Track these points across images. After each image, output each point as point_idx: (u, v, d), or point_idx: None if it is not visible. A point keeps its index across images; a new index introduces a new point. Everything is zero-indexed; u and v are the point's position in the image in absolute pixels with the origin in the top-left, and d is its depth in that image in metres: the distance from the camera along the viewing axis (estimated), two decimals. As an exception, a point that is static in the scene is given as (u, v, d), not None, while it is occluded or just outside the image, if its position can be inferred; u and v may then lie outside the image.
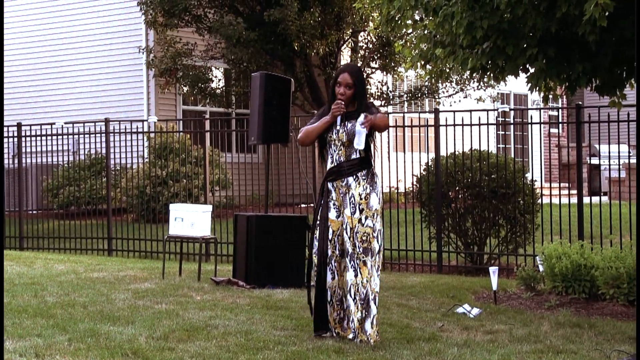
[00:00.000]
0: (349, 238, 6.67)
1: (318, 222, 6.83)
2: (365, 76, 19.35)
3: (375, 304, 6.67)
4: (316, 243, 6.83)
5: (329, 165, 6.84)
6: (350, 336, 6.73)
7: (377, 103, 19.73)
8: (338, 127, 6.79)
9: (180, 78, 18.46)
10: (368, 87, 19.71)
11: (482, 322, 7.74)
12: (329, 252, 6.78)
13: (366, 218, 6.67)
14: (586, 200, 11.27)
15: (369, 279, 6.65)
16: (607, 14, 6.95)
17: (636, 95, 7.75)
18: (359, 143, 6.64)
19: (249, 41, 17.25)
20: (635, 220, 10.54)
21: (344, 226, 6.70)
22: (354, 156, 6.75)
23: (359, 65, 18.81)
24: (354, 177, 6.72)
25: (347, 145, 6.74)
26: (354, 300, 6.66)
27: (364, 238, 6.65)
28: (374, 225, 6.68)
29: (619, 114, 9.79)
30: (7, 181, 15.92)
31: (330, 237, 6.77)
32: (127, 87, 19.73)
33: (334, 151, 6.80)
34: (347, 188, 6.73)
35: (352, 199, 6.69)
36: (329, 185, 6.81)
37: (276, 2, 17.22)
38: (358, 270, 6.65)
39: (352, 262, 6.66)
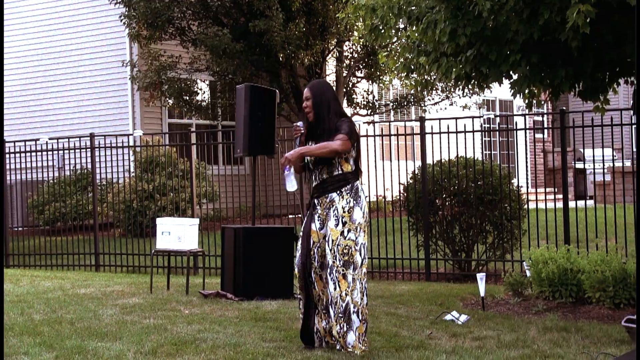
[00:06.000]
0: (330, 250, 6.67)
1: (301, 234, 6.85)
2: (351, 86, 19.47)
3: (358, 316, 6.64)
4: (297, 255, 6.85)
5: (313, 183, 6.86)
6: (338, 347, 6.73)
7: (362, 112, 19.76)
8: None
9: (165, 91, 18.45)
10: (355, 96, 19.72)
11: (470, 328, 7.75)
12: (319, 263, 6.79)
13: (349, 231, 6.68)
14: (572, 204, 11.31)
15: (348, 291, 6.63)
16: (588, 20, 6.99)
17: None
18: (291, 186, 6.77)
19: (234, 52, 17.25)
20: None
21: (326, 238, 6.71)
22: (336, 172, 6.76)
23: (343, 75, 18.87)
24: (338, 192, 6.74)
25: (327, 162, 6.75)
26: (334, 313, 6.66)
27: (345, 251, 6.65)
28: (356, 238, 6.69)
29: (602, 118, 9.85)
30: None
31: (310, 247, 6.78)
32: (111, 102, 19.70)
33: (316, 169, 6.82)
34: (330, 203, 6.75)
35: (336, 211, 6.71)
36: (315, 201, 6.83)
37: (261, 13, 17.23)
38: (337, 283, 6.65)
39: (331, 274, 6.66)
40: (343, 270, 6.64)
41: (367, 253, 12.24)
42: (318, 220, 6.79)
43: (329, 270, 6.67)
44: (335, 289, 6.64)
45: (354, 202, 6.73)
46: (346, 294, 6.63)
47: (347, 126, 6.73)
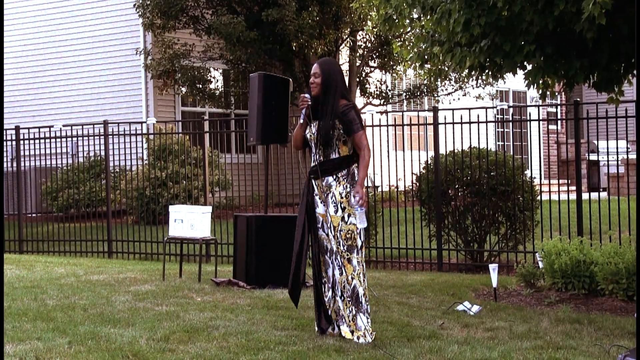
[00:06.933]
0: (334, 237, 6.72)
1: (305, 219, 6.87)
2: (364, 75, 19.43)
3: (366, 299, 6.74)
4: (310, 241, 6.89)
5: (312, 164, 6.89)
6: (347, 330, 6.72)
7: (375, 102, 19.73)
8: (311, 126, 6.84)
9: (178, 79, 18.47)
10: (368, 86, 19.69)
11: (482, 319, 7.75)
12: (329, 246, 6.80)
13: (349, 216, 6.72)
14: (585, 196, 11.28)
15: (354, 275, 6.71)
16: (604, 11, 6.95)
17: (636, 91, 7.77)
18: (362, 222, 6.69)
19: (248, 41, 17.25)
20: (636, 216, 10.55)
21: (328, 224, 6.74)
22: (333, 155, 6.78)
23: (357, 64, 18.83)
24: (334, 177, 6.76)
25: (324, 144, 6.76)
26: (341, 298, 6.73)
27: (349, 236, 6.71)
28: (356, 221, 6.73)
29: (617, 110, 9.80)
30: (6, 184, 15.92)
31: (327, 231, 6.80)
32: (125, 89, 19.74)
33: (315, 151, 6.85)
34: (327, 187, 6.77)
35: (334, 197, 6.74)
36: (313, 182, 6.85)
37: (274, 2, 17.22)
38: (343, 268, 6.71)
39: (336, 260, 6.72)
40: (348, 255, 6.70)
41: (380, 243, 12.38)
42: (321, 203, 6.82)
43: (333, 256, 6.72)
44: (341, 274, 6.72)
45: (351, 186, 6.74)
46: (352, 278, 6.70)
47: (357, 118, 6.74)
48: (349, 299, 6.71)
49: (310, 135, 6.85)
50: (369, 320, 6.78)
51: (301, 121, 6.90)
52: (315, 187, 6.85)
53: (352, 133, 6.72)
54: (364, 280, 6.76)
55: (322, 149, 6.77)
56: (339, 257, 6.71)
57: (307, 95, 6.87)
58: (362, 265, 6.76)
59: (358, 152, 6.76)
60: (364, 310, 6.73)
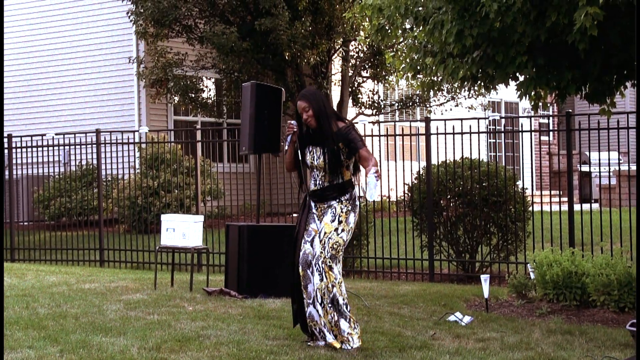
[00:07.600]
0: (320, 241, 6.77)
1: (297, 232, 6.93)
2: (356, 86, 19.47)
3: (346, 308, 6.77)
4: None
5: (312, 187, 6.93)
6: (329, 338, 6.73)
7: (368, 112, 19.76)
8: (310, 152, 6.90)
9: (171, 88, 18.48)
10: (360, 96, 19.73)
11: (473, 330, 7.75)
12: (313, 260, 6.84)
13: (342, 230, 6.82)
14: (577, 207, 11.31)
15: (335, 284, 6.76)
16: (596, 22, 6.99)
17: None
18: (372, 195, 6.69)
19: (241, 51, 17.28)
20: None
21: (319, 232, 6.78)
22: (336, 181, 6.85)
23: (349, 74, 18.87)
24: (337, 200, 6.86)
25: (332, 171, 6.84)
26: (321, 304, 6.77)
27: (335, 246, 6.78)
28: (346, 240, 6.84)
29: (608, 121, 9.84)
30: (-2, 193, 15.86)
31: (315, 247, 6.84)
32: (118, 98, 19.73)
33: (317, 175, 6.93)
34: (328, 207, 6.87)
35: (334, 210, 6.84)
36: (312, 204, 6.91)
37: (267, 11, 17.24)
38: (324, 274, 6.75)
39: (317, 265, 6.78)
40: (330, 262, 6.76)
41: (371, 253, 12.39)
42: (318, 220, 6.86)
43: (315, 261, 6.74)
44: (322, 280, 6.75)
45: (351, 207, 6.88)
46: (332, 286, 6.75)
47: (358, 136, 6.86)
48: (329, 305, 6.75)
49: (312, 162, 6.89)
50: (355, 326, 6.79)
51: (286, 147, 6.97)
52: (314, 208, 6.90)
53: (357, 150, 6.81)
54: (343, 292, 6.78)
55: (328, 174, 6.83)
56: (320, 263, 6.75)
57: (293, 122, 6.94)
58: (341, 278, 6.81)
59: (365, 165, 6.78)
60: (346, 316, 6.76)
